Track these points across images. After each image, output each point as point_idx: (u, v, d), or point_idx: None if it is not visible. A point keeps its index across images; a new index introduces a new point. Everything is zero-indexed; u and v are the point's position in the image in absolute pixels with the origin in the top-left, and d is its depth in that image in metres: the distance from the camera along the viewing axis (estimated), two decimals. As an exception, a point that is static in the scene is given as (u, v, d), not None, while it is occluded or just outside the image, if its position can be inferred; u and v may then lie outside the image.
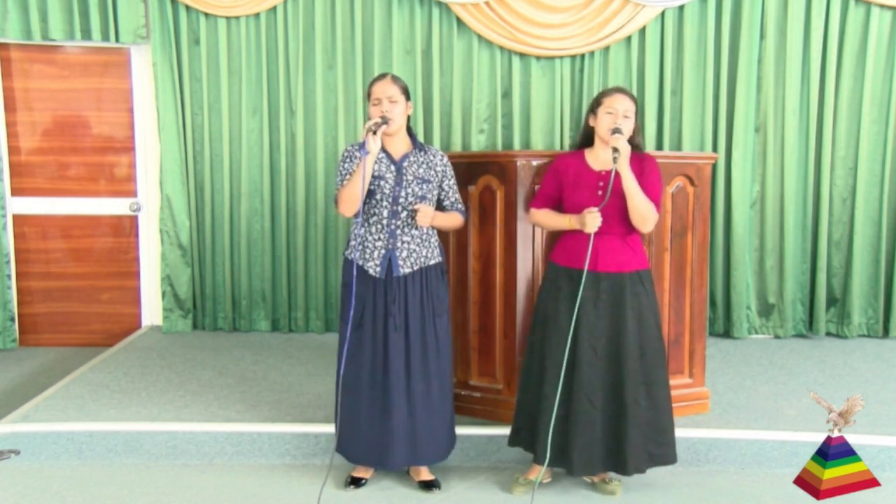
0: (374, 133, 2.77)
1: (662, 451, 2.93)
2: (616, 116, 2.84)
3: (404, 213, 2.89)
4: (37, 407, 3.51)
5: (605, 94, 2.93)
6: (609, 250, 2.87)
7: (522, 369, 3.07)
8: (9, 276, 4.90)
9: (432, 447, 2.97)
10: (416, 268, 2.91)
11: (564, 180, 2.94)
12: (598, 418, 2.85)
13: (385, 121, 2.82)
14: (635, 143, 2.92)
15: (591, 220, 2.78)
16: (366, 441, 2.95)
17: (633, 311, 2.86)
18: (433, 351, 2.94)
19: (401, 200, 2.88)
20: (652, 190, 2.86)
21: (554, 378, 2.85)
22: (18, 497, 2.92)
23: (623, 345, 2.85)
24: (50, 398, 3.63)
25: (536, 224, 3.12)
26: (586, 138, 2.99)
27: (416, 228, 2.92)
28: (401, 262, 2.89)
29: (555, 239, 3.05)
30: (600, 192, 2.83)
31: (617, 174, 2.76)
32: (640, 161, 2.88)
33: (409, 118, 2.99)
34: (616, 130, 2.79)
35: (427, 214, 2.86)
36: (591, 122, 2.93)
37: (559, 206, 2.97)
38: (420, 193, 2.90)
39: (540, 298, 3.02)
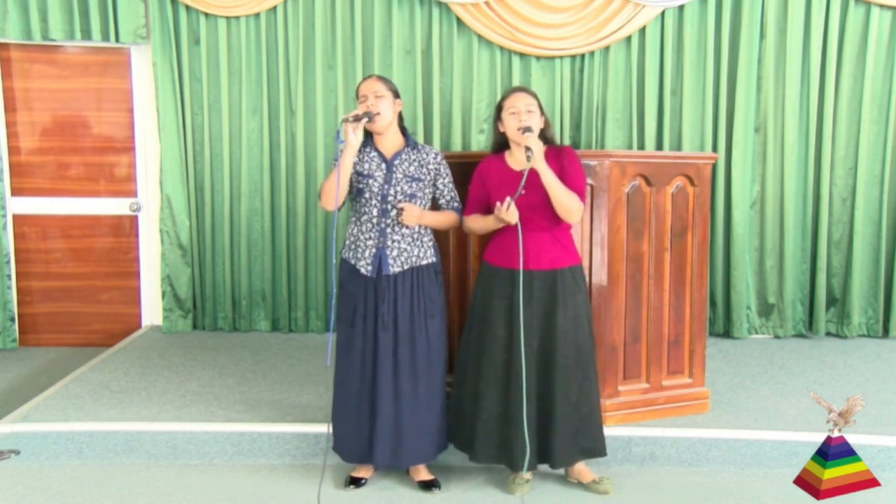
0: (352, 123, 2.77)
1: (593, 445, 2.95)
2: (519, 114, 2.86)
3: (394, 212, 2.89)
4: (37, 407, 3.51)
5: (504, 97, 2.96)
6: (539, 248, 2.87)
7: (455, 368, 3.08)
8: (9, 276, 4.90)
9: (417, 447, 2.96)
10: (406, 267, 2.91)
11: (488, 183, 2.96)
12: (534, 412, 2.87)
13: (369, 116, 2.83)
14: (548, 137, 2.95)
15: (508, 214, 2.76)
16: (354, 438, 2.96)
17: (566, 308, 2.88)
18: (423, 351, 2.92)
19: (389, 199, 2.88)
20: (574, 181, 2.86)
21: (490, 377, 2.89)
22: (18, 497, 2.92)
23: (556, 341, 2.86)
24: (50, 398, 3.63)
25: (469, 231, 3.10)
26: (500, 144, 3.01)
27: (407, 227, 2.91)
28: (391, 261, 2.89)
29: (487, 239, 3.04)
30: (523, 192, 2.81)
31: (533, 171, 2.76)
32: (557, 154, 2.90)
33: (401, 117, 3.00)
34: (526, 129, 2.80)
35: (412, 213, 2.86)
36: (501, 129, 2.95)
37: (489, 211, 2.96)
38: (409, 192, 2.90)
39: (473, 297, 3.03)
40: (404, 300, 2.90)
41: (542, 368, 2.88)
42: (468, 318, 3.05)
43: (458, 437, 3.05)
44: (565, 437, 2.88)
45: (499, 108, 2.95)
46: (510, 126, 2.88)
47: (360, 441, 2.95)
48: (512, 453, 2.87)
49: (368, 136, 2.98)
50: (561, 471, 3.08)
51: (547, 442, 2.90)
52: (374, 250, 2.90)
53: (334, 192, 2.80)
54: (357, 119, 2.80)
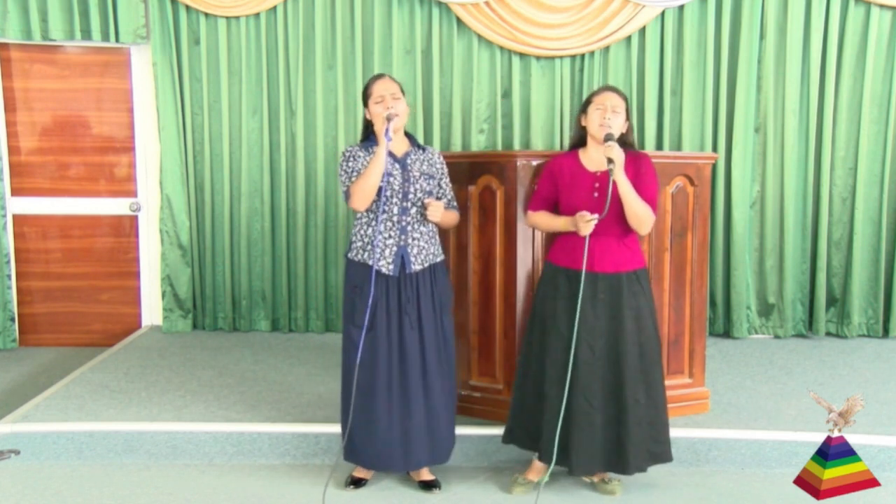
0: (389, 122, 2.78)
1: (661, 449, 2.94)
2: (605, 111, 2.85)
3: (413, 209, 2.89)
4: (37, 407, 3.51)
5: (594, 93, 2.96)
6: (606, 251, 2.87)
7: (518, 368, 3.07)
8: (9, 276, 4.90)
9: (446, 444, 2.99)
10: (426, 265, 2.92)
11: (560, 182, 2.95)
12: (598, 418, 2.85)
13: (390, 118, 2.82)
14: (629, 142, 2.93)
15: (585, 227, 2.78)
16: (384, 444, 2.90)
17: (630, 311, 2.87)
18: (443, 348, 2.95)
19: (410, 196, 2.88)
20: (648, 191, 2.86)
21: (554, 378, 2.86)
22: (18, 497, 2.92)
23: (622, 344, 2.85)
24: (50, 398, 3.63)
25: (534, 226, 3.13)
26: (579, 139, 3.00)
27: (425, 225, 2.92)
28: (413, 259, 2.89)
29: (553, 239, 3.06)
30: (596, 194, 2.83)
31: (614, 182, 2.76)
32: (635, 161, 2.89)
33: None
34: (609, 137, 2.79)
35: (438, 208, 2.88)
36: (583, 122, 2.94)
37: (556, 208, 2.97)
38: (427, 189, 2.92)
39: (537, 298, 3.02)
40: (426, 297, 2.91)
41: (610, 373, 2.86)
42: (531, 317, 3.03)
43: (518, 438, 3.04)
44: (638, 442, 2.85)
45: (586, 102, 2.93)
46: (593, 121, 2.87)
47: (389, 447, 2.89)
48: (570, 457, 2.85)
49: (373, 137, 2.95)
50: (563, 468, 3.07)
51: (619, 448, 2.86)
52: (395, 248, 2.88)
53: (371, 192, 2.79)
54: (389, 121, 2.80)
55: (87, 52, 4.91)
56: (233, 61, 4.83)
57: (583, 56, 4.83)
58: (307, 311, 4.97)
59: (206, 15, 4.77)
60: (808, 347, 4.71)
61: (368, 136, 2.99)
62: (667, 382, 3.45)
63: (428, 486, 3.00)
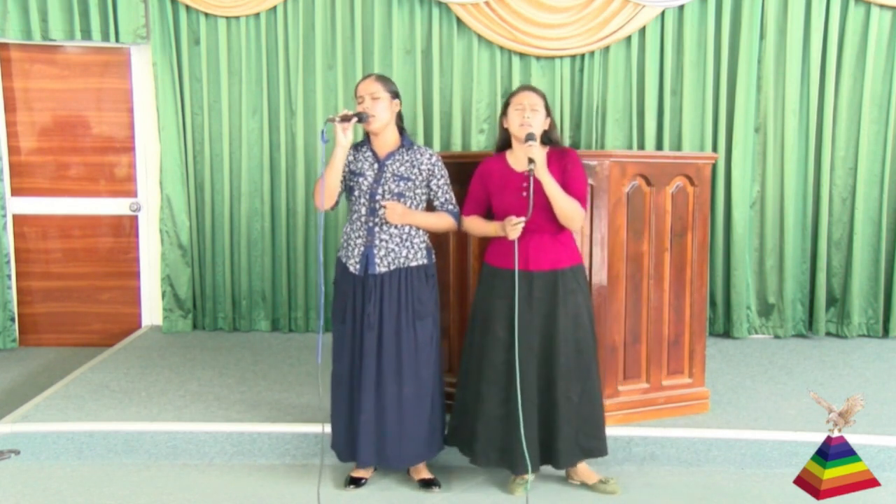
0: (340, 123, 2.77)
1: (594, 445, 2.95)
2: (524, 111, 2.85)
3: (382, 211, 2.88)
4: (37, 407, 3.51)
5: (512, 93, 2.96)
6: (540, 248, 2.87)
7: (460, 368, 3.08)
8: (9, 276, 4.90)
9: (402, 450, 2.94)
10: (392, 267, 2.89)
11: (489, 184, 2.95)
12: (535, 415, 2.87)
13: (361, 117, 2.83)
14: (553, 140, 2.94)
15: (513, 231, 2.78)
16: (345, 436, 2.97)
17: (566, 308, 2.87)
18: (410, 354, 2.90)
19: (377, 197, 2.88)
20: (576, 187, 2.85)
21: (491, 378, 2.89)
22: (18, 497, 2.92)
23: (556, 341, 2.86)
24: (50, 398, 3.63)
25: (467, 231, 3.09)
26: (503, 142, 3.01)
27: (396, 227, 2.90)
28: (377, 261, 2.88)
29: (488, 239, 3.03)
30: (525, 194, 2.80)
31: (537, 181, 2.76)
32: (560, 157, 2.89)
33: (401, 117, 2.99)
34: (529, 136, 2.79)
35: (395, 211, 2.85)
36: (504, 124, 2.94)
37: (489, 211, 2.97)
38: (397, 191, 2.88)
39: (476, 298, 3.03)
40: (391, 301, 2.88)
41: (544, 369, 2.88)
42: (470, 319, 3.05)
43: (459, 439, 3.04)
44: (568, 437, 2.88)
45: (505, 105, 2.94)
46: (513, 121, 2.88)
47: (349, 440, 2.96)
48: (513, 456, 2.86)
49: (367, 136, 2.99)
50: (561, 472, 3.08)
51: (550, 443, 2.89)
52: (361, 249, 2.90)
53: (323, 192, 2.82)
54: (345, 119, 2.79)
55: (87, 52, 4.91)
56: (233, 61, 4.83)
57: (583, 56, 4.83)
58: (307, 311, 4.97)
59: (206, 15, 4.77)
60: (808, 347, 4.71)
61: (367, 136, 3.00)
62: (667, 382, 3.49)
63: (427, 485, 3.01)
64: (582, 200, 2.86)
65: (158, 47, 4.76)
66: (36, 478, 3.08)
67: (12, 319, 4.94)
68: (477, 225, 2.99)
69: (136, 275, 5.08)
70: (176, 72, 4.79)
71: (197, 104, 4.85)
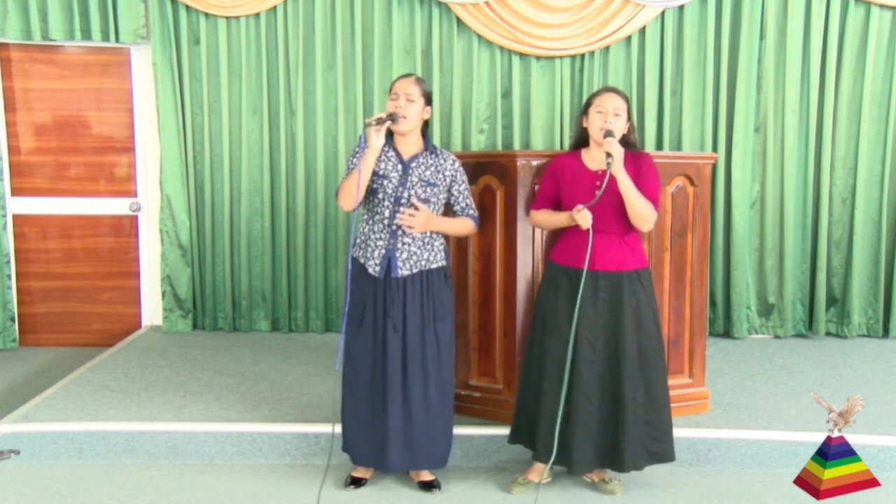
0: (375, 126, 2.74)
1: (661, 449, 2.93)
2: (606, 115, 2.85)
3: (404, 216, 2.85)
4: (37, 407, 3.51)
5: (595, 94, 2.95)
6: (607, 249, 2.87)
7: (522, 368, 3.08)
8: (9, 276, 4.90)
9: (430, 452, 2.95)
10: (415, 270, 2.89)
11: (562, 181, 2.95)
12: (596, 416, 2.86)
13: (393, 118, 2.80)
14: (630, 142, 2.94)
15: (581, 218, 2.79)
16: (366, 441, 2.94)
17: (631, 310, 2.87)
18: (433, 355, 2.90)
19: (403, 201, 2.86)
20: (649, 189, 2.86)
21: (554, 376, 2.87)
22: (18, 497, 2.92)
23: (621, 343, 2.85)
24: (50, 398, 3.63)
25: (536, 225, 3.14)
26: (581, 139, 3.00)
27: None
28: (399, 264, 2.87)
29: (555, 238, 3.06)
30: (598, 192, 2.83)
31: (612, 179, 2.77)
32: (635, 160, 2.89)
33: (426, 122, 2.96)
34: (608, 133, 2.79)
35: (419, 219, 2.82)
36: (584, 124, 2.94)
37: (558, 207, 2.97)
38: (423, 196, 2.87)
39: (539, 297, 3.03)
40: (414, 304, 2.87)
41: (608, 370, 2.87)
42: (533, 317, 3.04)
43: (522, 436, 3.03)
44: (633, 439, 2.86)
45: (587, 104, 2.93)
46: (594, 123, 2.87)
47: (374, 446, 2.92)
48: (570, 455, 2.85)
49: (388, 136, 2.92)
50: (562, 469, 3.07)
51: (615, 444, 2.87)
52: (383, 251, 2.88)
53: (354, 194, 2.78)
54: (380, 122, 2.76)
55: (87, 52, 4.91)
56: (233, 61, 4.83)
57: (583, 56, 4.83)
58: (307, 311, 4.97)
59: (206, 15, 4.77)
60: (808, 347, 4.71)
61: (390, 134, 2.95)
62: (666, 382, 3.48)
63: (427, 486, 3.00)
64: (655, 203, 2.86)
65: (158, 47, 4.76)
66: (36, 478, 3.08)
67: (12, 319, 4.94)
68: (545, 217, 2.99)
69: (136, 275, 5.08)
70: (176, 72, 4.79)
71: (197, 104, 4.85)
